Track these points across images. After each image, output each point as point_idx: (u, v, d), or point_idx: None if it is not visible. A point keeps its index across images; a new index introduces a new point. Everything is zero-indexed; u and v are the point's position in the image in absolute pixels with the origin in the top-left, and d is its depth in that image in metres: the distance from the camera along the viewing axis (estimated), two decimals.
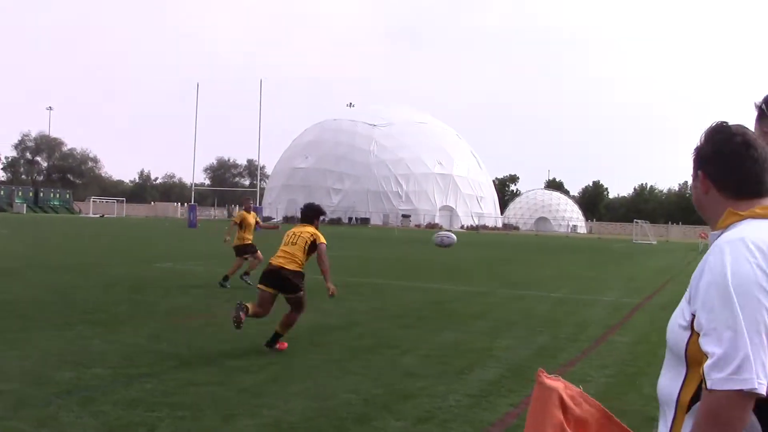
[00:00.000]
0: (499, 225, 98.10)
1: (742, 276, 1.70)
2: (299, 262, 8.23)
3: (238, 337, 8.75)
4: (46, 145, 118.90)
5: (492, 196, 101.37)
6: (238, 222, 14.75)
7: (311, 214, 8.71)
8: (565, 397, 1.54)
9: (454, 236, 14.25)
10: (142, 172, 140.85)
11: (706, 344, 1.68)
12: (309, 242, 8.33)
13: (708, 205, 1.95)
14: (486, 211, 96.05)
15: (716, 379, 1.64)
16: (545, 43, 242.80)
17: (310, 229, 8.53)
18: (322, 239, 8.40)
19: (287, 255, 8.26)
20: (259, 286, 8.38)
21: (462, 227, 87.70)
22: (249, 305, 8.11)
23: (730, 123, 1.94)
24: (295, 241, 8.35)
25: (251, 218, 14.58)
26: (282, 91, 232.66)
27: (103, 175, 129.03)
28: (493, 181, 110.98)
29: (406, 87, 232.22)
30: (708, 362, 1.66)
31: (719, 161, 1.90)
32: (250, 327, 9.64)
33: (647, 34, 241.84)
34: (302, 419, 5.50)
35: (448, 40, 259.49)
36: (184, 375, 6.75)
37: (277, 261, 8.27)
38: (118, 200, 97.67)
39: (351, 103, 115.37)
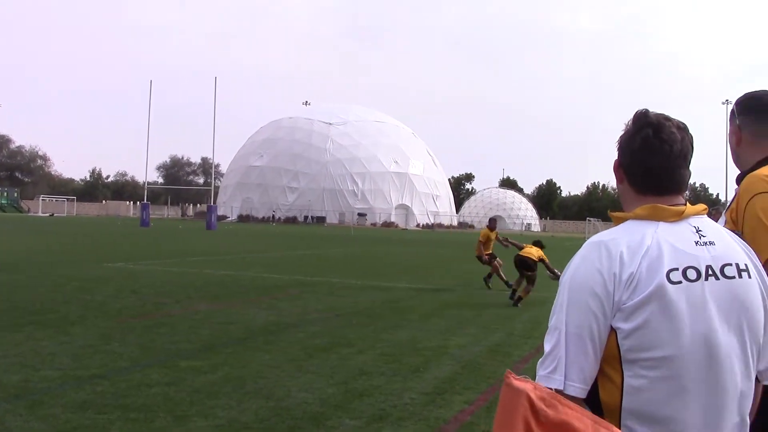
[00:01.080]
0: (455, 223, 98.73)
1: (580, 279, 1.71)
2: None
3: (191, 337, 8.66)
4: None
5: (447, 195, 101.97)
6: (484, 240, 16.74)
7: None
8: (534, 399, 1.53)
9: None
10: (93, 171, 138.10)
11: (545, 341, 1.76)
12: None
13: (622, 196, 1.88)
14: (441, 209, 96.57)
15: (539, 375, 1.72)
16: (500, 42, 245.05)
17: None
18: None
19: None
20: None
21: (417, 226, 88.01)
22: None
23: (651, 112, 1.81)
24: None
25: (493, 235, 16.66)
26: (237, 88, 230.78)
27: (52, 173, 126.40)
28: (449, 180, 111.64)
29: (362, 86, 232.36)
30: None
31: (628, 152, 1.81)
32: (203, 327, 9.56)
33: (587, 26, 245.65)
34: (256, 419, 5.47)
35: (405, 39, 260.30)
36: (136, 376, 6.65)
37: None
38: (68, 199, 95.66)
39: (307, 102, 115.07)
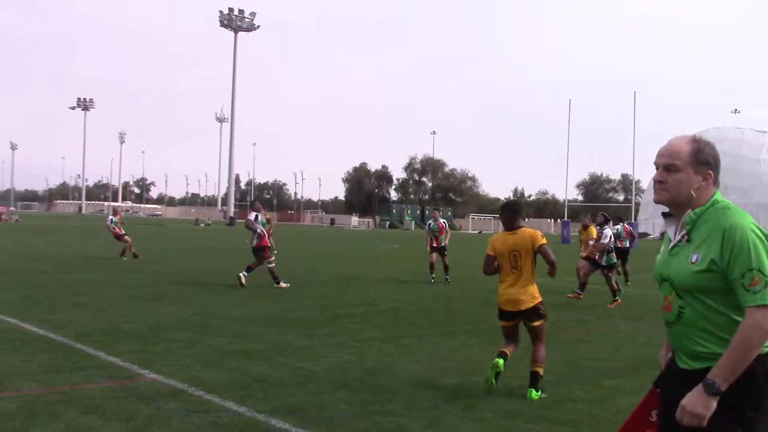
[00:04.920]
0: None
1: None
2: None
3: (615, 356, 8.53)
4: (431, 166, 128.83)
5: None
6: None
7: None
8: None
9: None
10: (515, 190, 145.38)
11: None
12: None
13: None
14: None
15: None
16: None
17: None
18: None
19: None
20: None
21: None
22: None
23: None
24: None
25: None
26: (657, 101, 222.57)
27: (480, 192, 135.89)
28: None
29: None
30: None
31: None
32: (626, 346, 9.35)
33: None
34: None
35: None
36: (561, 391, 6.77)
37: None
38: (494, 217, 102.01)
39: (736, 110, 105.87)
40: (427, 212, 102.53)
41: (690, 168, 2.71)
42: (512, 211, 6.97)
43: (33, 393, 6.06)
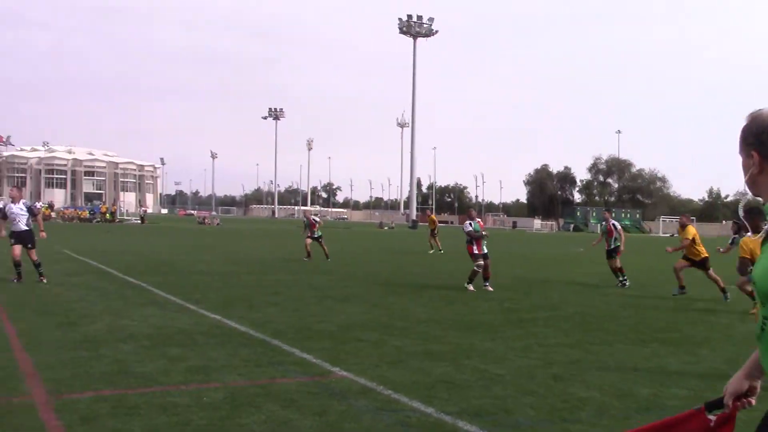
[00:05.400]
0: None
1: None
2: None
3: None
4: (617, 166, 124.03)
5: None
6: None
7: None
8: None
9: None
10: (711, 190, 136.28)
11: None
12: None
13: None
14: None
15: None
16: None
17: None
18: None
19: None
20: None
21: None
22: None
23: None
24: None
25: None
26: None
27: (671, 194, 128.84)
28: None
29: None
30: None
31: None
32: None
33: None
34: None
35: None
36: None
37: None
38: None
39: None
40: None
41: (742, 152, 2.29)
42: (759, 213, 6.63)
43: (237, 385, 6.51)
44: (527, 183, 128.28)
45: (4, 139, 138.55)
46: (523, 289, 16.18)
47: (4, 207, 15.07)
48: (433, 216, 34.58)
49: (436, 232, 31.92)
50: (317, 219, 24.52)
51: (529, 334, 9.87)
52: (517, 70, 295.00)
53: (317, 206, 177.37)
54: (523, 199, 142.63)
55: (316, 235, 23.74)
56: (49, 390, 6.11)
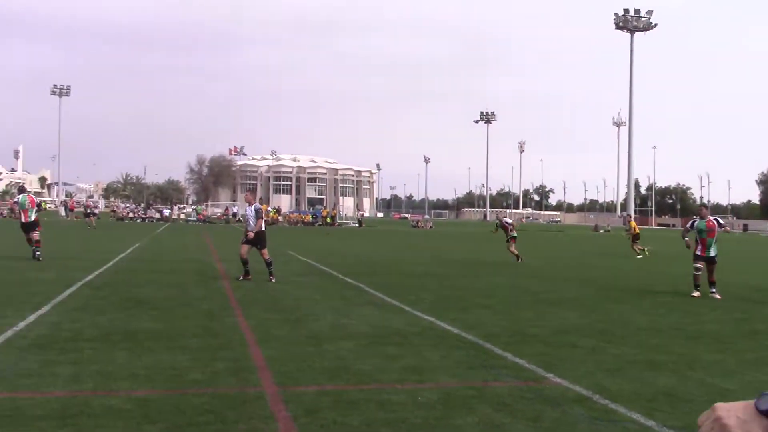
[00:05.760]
0: None
1: None
2: None
3: None
4: None
5: None
6: None
7: None
8: None
9: None
10: None
11: None
12: None
13: None
14: None
15: None
16: None
17: None
18: None
19: None
20: None
21: None
22: None
23: None
24: None
25: None
26: None
27: None
28: None
29: None
30: None
31: None
32: None
33: None
34: None
35: None
36: None
37: None
38: None
39: None
40: None
41: None
42: None
43: (450, 386, 6.60)
44: (760, 182, 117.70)
45: (237, 150, 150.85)
46: (757, 297, 14.88)
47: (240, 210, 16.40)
48: (633, 222, 32.79)
49: (638, 238, 29.90)
50: (509, 221, 25.24)
51: (763, 347, 9.07)
52: (744, 57, 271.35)
53: (529, 209, 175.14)
54: (755, 199, 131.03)
55: (509, 237, 23.75)
56: (278, 382, 6.57)
